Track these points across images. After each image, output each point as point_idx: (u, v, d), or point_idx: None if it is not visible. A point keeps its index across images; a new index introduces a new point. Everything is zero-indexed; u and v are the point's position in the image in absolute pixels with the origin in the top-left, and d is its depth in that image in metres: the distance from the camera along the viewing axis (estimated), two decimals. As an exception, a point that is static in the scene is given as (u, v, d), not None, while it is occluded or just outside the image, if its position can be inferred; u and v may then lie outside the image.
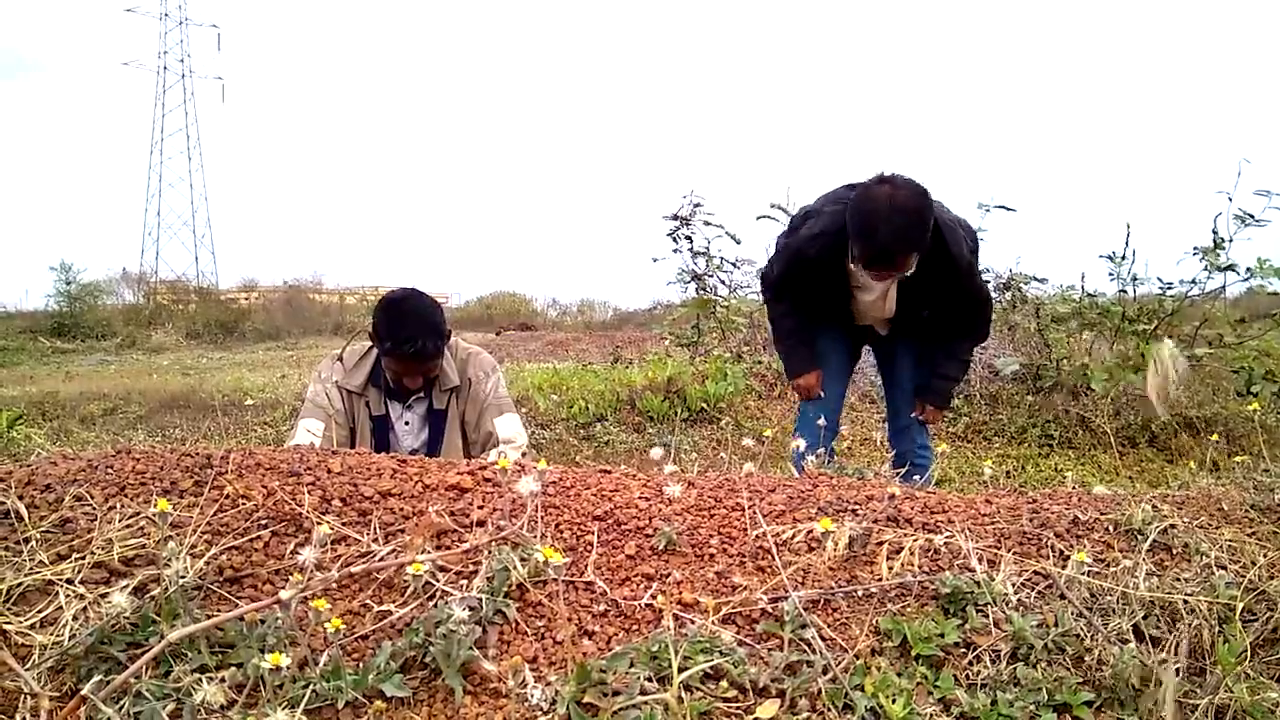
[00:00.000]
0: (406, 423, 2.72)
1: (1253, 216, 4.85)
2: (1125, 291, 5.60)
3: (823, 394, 2.95)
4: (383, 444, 2.66)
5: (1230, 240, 4.95)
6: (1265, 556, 1.51)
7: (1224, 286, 5.23)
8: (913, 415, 2.97)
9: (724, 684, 1.17)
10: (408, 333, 2.51)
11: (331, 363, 2.73)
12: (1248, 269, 4.96)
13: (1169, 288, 5.39)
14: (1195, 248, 5.11)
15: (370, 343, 2.70)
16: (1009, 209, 6.42)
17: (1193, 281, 5.25)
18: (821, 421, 2.49)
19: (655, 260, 7.94)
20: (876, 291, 2.77)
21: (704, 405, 5.82)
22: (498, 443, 2.65)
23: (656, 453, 1.88)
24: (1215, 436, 3.46)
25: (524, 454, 2.60)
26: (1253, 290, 5.35)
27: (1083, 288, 6.05)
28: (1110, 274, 5.61)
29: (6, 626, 1.19)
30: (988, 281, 2.95)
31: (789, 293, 2.93)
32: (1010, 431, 5.31)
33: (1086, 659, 1.27)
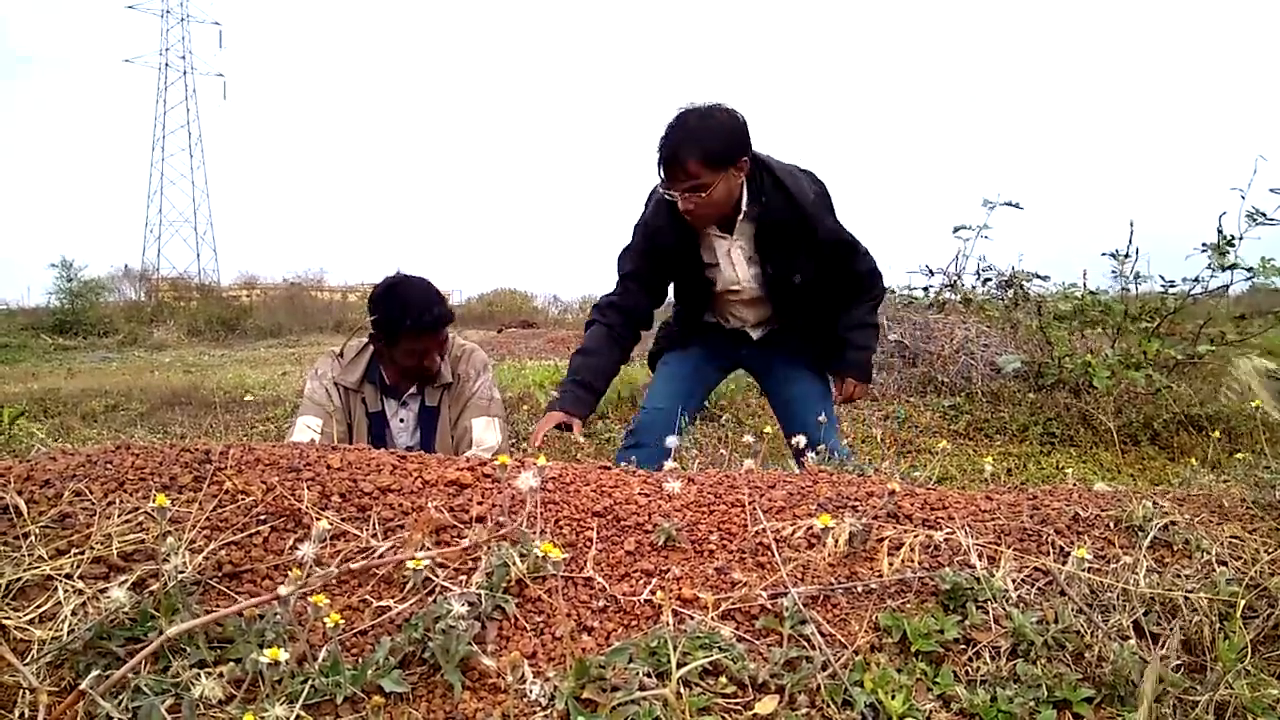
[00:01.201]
0: (401, 420, 2.72)
1: (1264, 214, 4.83)
2: (1128, 289, 5.60)
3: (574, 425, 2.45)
4: (379, 441, 2.66)
5: (1240, 238, 4.94)
6: (1266, 553, 1.51)
7: (1228, 285, 5.22)
8: (837, 398, 2.69)
9: (723, 680, 1.17)
10: (420, 302, 2.51)
11: (330, 360, 2.73)
12: (1249, 268, 4.95)
13: (1171, 285, 5.39)
14: (1204, 244, 5.09)
15: (365, 340, 2.70)
16: (1016, 206, 6.43)
17: (1195, 279, 5.24)
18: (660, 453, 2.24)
19: (656, 258, 7.92)
20: (721, 260, 2.51)
21: (705, 403, 5.82)
22: (471, 443, 2.63)
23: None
24: (1216, 434, 3.45)
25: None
26: (1255, 288, 5.34)
27: (1084, 285, 6.05)
28: (1113, 272, 5.61)
29: (5, 621, 1.19)
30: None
31: (631, 298, 2.59)
32: (1012, 429, 5.30)
33: (1087, 655, 1.26)
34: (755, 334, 2.71)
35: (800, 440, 2.13)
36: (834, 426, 2.74)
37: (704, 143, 2.25)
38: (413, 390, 2.70)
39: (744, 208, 2.39)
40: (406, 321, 2.51)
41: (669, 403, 2.67)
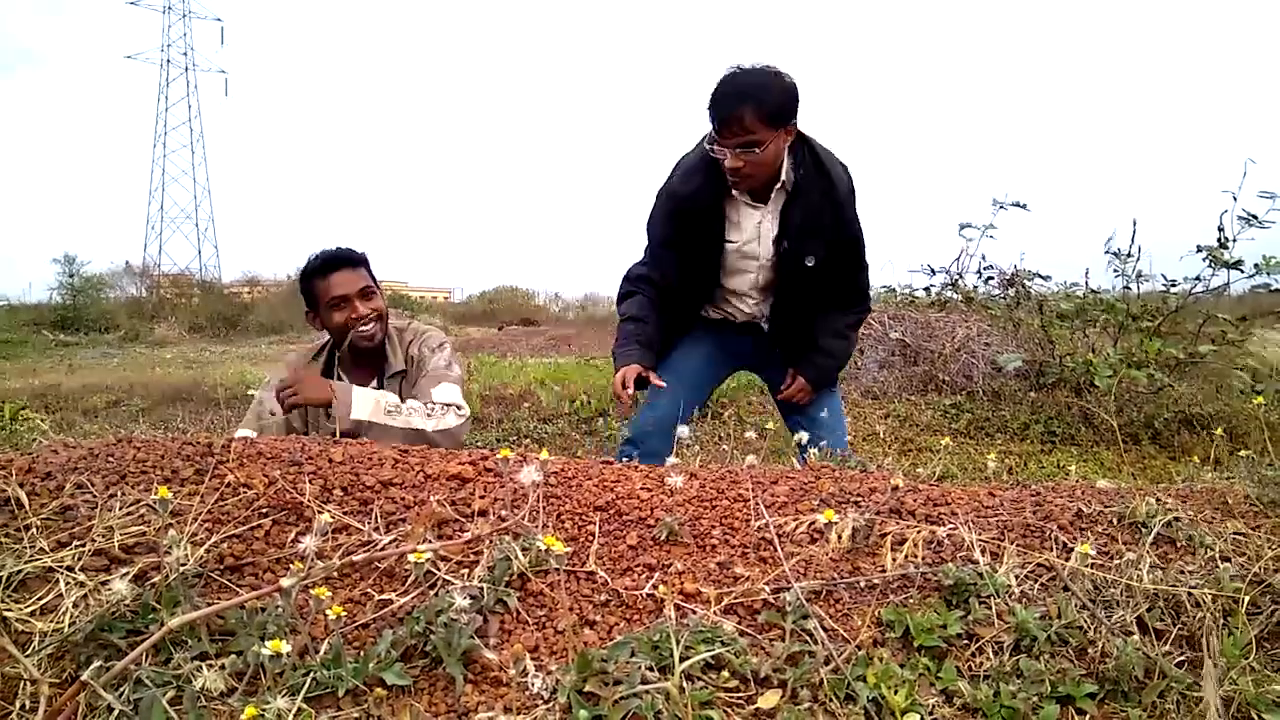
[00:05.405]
0: None
1: (1256, 218, 4.83)
2: (1130, 288, 5.58)
3: (635, 394, 2.49)
4: None
5: (1234, 240, 4.93)
6: (1270, 550, 1.50)
7: (1228, 284, 5.21)
8: (782, 388, 2.64)
9: (725, 674, 1.17)
10: (328, 249, 2.55)
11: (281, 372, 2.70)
12: (1255, 265, 4.94)
13: (1173, 284, 5.38)
14: (1199, 246, 5.08)
15: (319, 342, 2.68)
16: (1023, 207, 6.42)
17: (1197, 278, 5.23)
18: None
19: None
20: (748, 231, 2.45)
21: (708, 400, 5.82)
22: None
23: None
24: (1219, 431, 3.44)
25: (463, 418, 2.47)
26: (1256, 289, 5.31)
27: (1086, 284, 6.04)
28: (1115, 270, 5.59)
29: (7, 613, 1.19)
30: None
31: (661, 268, 2.56)
32: (1013, 428, 5.29)
33: (1090, 651, 1.26)
34: (765, 325, 2.65)
35: (803, 436, 2.12)
36: (841, 423, 2.71)
37: (763, 97, 2.21)
38: (374, 385, 2.67)
39: (783, 178, 2.36)
40: (316, 262, 2.52)
41: (670, 407, 2.58)
